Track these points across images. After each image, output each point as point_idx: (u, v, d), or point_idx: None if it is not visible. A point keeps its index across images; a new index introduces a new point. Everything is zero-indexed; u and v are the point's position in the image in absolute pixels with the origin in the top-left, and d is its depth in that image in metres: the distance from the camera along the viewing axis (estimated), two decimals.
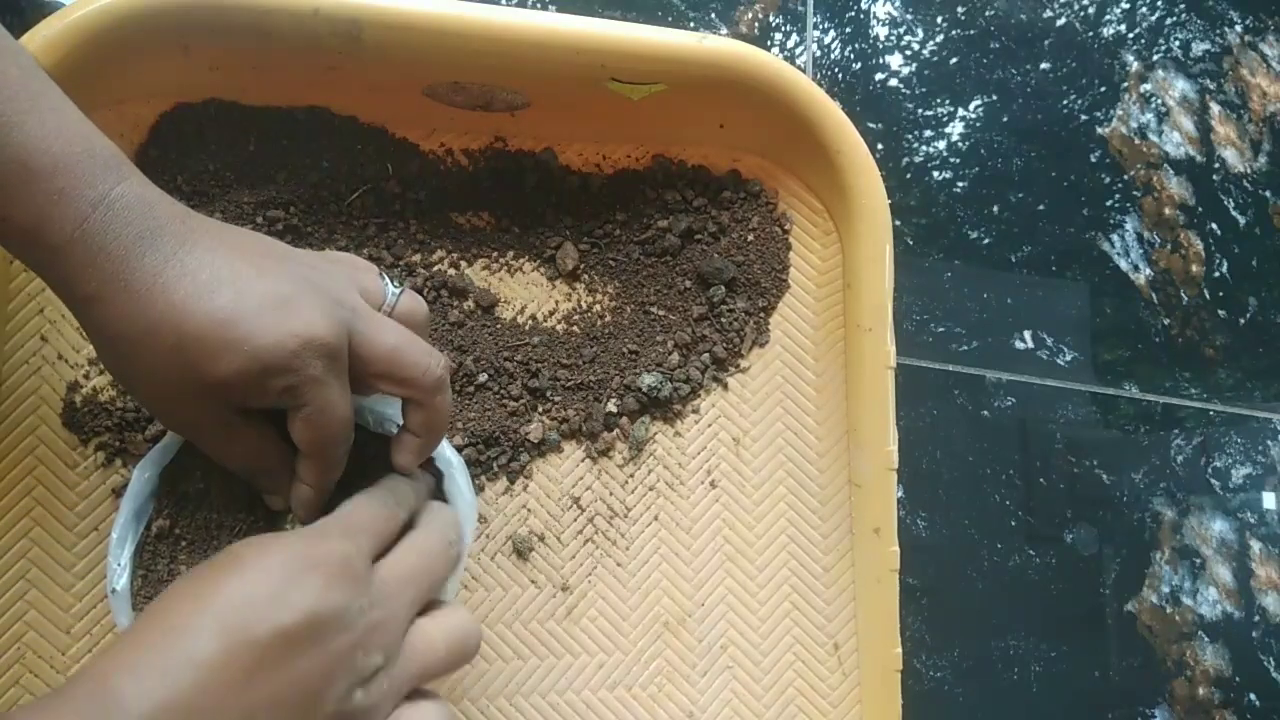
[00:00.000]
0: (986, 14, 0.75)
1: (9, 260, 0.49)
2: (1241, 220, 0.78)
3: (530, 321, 0.56)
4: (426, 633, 0.37)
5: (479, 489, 0.53)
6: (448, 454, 0.44)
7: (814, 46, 0.71)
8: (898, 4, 0.74)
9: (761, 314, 0.59)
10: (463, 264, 0.56)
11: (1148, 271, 0.75)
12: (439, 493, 0.45)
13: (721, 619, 0.55)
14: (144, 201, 0.36)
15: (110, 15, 0.47)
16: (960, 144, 0.73)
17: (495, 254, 0.57)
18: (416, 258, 0.55)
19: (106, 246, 0.35)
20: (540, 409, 0.55)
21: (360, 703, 0.34)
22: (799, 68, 0.62)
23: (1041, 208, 0.74)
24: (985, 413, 0.69)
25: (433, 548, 0.39)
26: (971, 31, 0.75)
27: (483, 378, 0.54)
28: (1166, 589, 0.71)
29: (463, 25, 0.50)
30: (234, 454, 0.40)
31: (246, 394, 0.37)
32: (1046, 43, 0.76)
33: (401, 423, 0.43)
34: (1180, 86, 0.79)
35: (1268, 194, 0.79)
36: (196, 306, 0.36)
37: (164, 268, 0.36)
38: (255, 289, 0.37)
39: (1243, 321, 0.77)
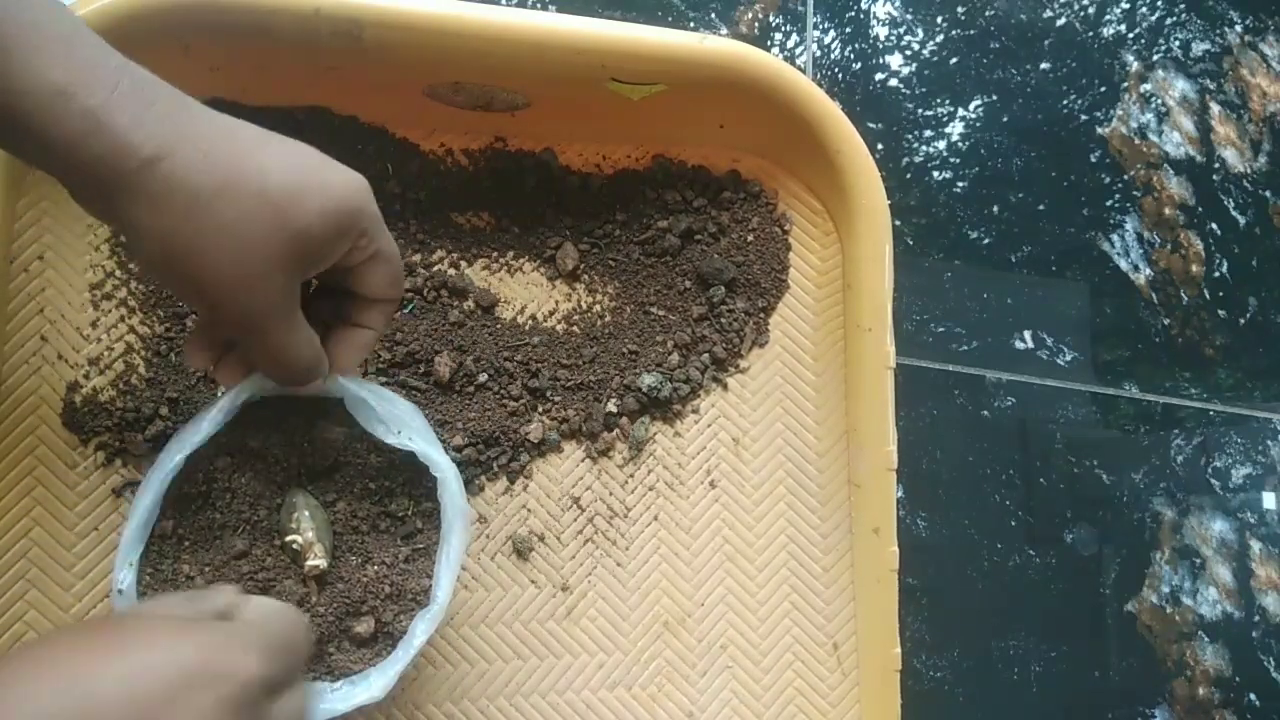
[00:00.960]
0: (986, 14, 0.75)
1: (9, 260, 0.49)
2: (1241, 220, 0.78)
3: (530, 321, 0.56)
4: None
5: (479, 489, 0.53)
6: (441, 460, 0.44)
7: (814, 46, 0.71)
8: (898, 4, 0.74)
9: (761, 314, 0.59)
10: (463, 264, 0.56)
11: (1148, 271, 0.75)
12: (433, 499, 0.45)
13: (721, 619, 0.55)
14: (155, 77, 0.35)
15: (110, 15, 0.47)
16: (960, 144, 0.73)
17: (495, 254, 0.57)
18: (416, 258, 0.55)
19: (151, 106, 0.34)
20: (540, 409, 0.55)
21: None
22: (799, 68, 0.62)
23: (1041, 208, 0.74)
24: (985, 413, 0.69)
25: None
26: (971, 31, 0.75)
27: (483, 378, 0.54)
28: (1166, 589, 0.71)
29: (463, 25, 0.50)
30: (291, 341, 0.38)
31: (323, 244, 0.37)
32: (1046, 43, 0.76)
33: (417, 440, 0.44)
34: (1180, 86, 0.79)
35: (1268, 194, 0.79)
36: (268, 154, 0.36)
37: (215, 124, 0.35)
38: (299, 145, 0.38)
39: (1243, 321, 0.76)
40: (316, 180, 0.36)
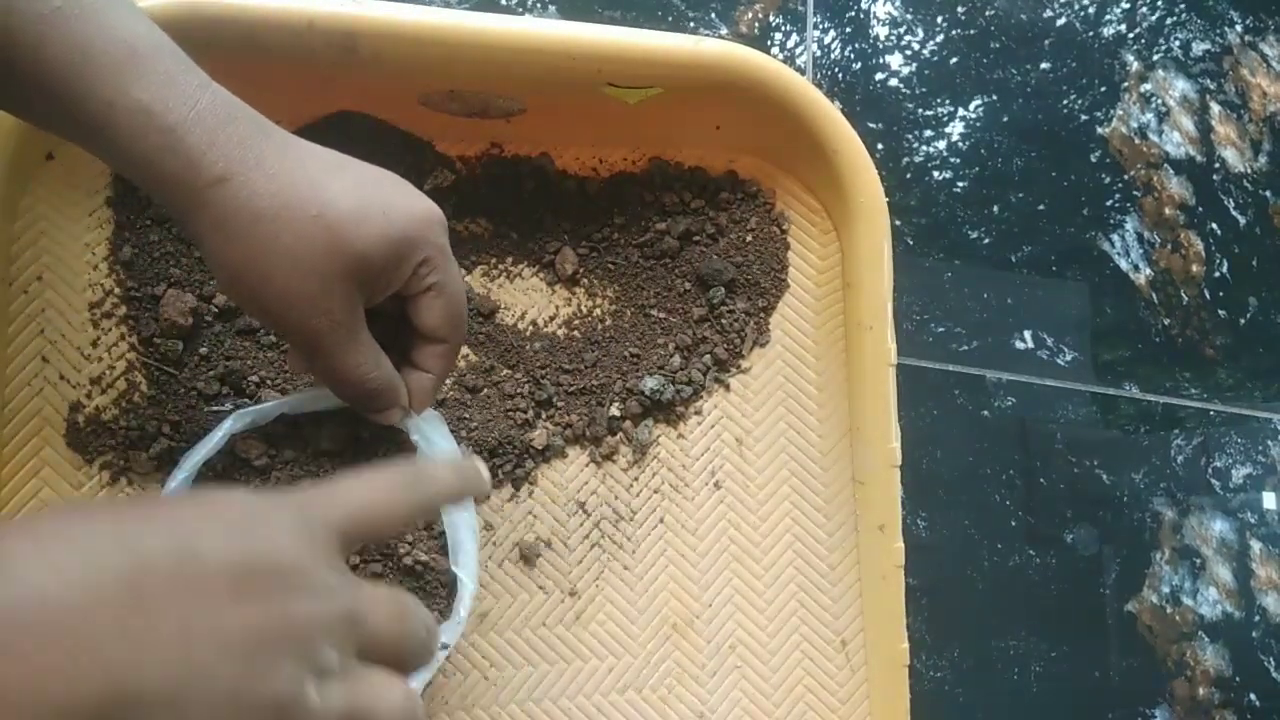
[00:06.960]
0: (986, 14, 0.75)
1: (9, 282, 0.49)
2: (1242, 220, 0.78)
3: (531, 327, 0.56)
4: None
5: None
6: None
7: (814, 46, 0.70)
8: (898, 4, 0.73)
9: (761, 314, 0.59)
10: (462, 271, 0.56)
11: (1148, 271, 0.75)
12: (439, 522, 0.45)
13: (729, 619, 0.56)
14: (235, 98, 0.36)
15: None
16: (960, 144, 0.73)
17: (494, 260, 0.56)
18: None
19: (226, 126, 0.35)
20: (544, 415, 0.55)
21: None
22: (799, 67, 0.61)
23: (1042, 208, 0.74)
24: (985, 413, 0.70)
25: (415, 630, 0.31)
26: (972, 31, 0.74)
27: (485, 386, 0.54)
28: (1167, 589, 0.71)
29: (459, 35, 0.50)
30: (356, 361, 0.39)
31: (384, 269, 0.38)
32: (1047, 42, 0.76)
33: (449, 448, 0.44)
34: (1180, 86, 0.78)
35: (1268, 194, 0.79)
36: (334, 179, 0.37)
37: (287, 149, 0.36)
38: (372, 170, 0.39)
39: (1243, 321, 0.77)
40: (379, 205, 0.37)
